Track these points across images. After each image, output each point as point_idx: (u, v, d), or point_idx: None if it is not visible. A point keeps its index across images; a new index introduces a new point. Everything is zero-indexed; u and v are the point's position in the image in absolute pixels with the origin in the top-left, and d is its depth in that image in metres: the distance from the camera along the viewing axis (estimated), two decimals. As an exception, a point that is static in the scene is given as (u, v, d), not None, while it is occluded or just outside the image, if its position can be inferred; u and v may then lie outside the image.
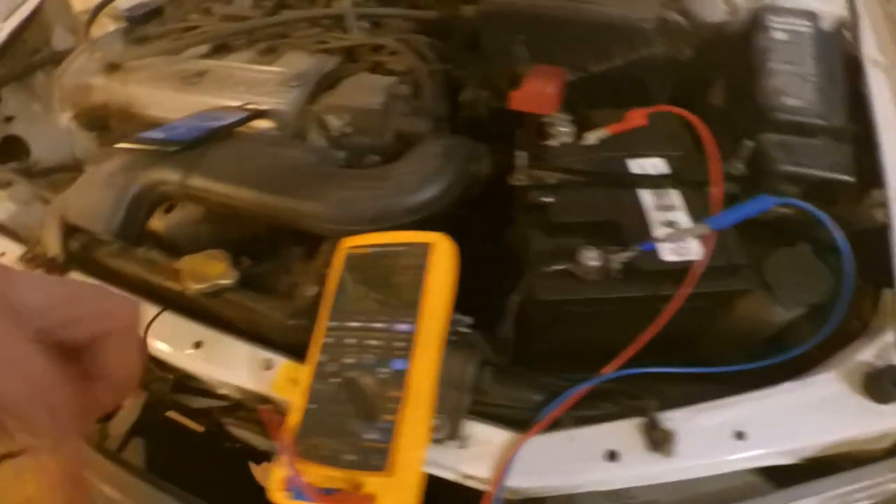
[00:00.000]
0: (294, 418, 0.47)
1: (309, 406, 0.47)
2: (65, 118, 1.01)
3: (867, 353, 0.48)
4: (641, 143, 0.59)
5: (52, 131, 1.00)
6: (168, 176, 0.63)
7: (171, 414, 0.71)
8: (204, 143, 0.63)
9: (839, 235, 0.48)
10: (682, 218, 0.54)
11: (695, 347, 0.61)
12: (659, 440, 0.46)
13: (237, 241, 0.70)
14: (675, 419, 0.47)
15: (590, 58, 0.64)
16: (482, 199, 0.66)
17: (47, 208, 0.67)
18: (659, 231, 0.52)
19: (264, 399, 0.57)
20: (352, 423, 0.44)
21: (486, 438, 0.49)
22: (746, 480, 0.47)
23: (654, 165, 0.58)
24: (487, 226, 0.67)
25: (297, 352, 0.57)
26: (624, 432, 0.47)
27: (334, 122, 0.68)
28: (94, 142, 1.04)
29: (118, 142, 0.85)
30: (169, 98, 0.79)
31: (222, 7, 0.94)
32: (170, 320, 0.61)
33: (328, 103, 0.69)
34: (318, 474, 0.43)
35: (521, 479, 0.47)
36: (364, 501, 0.39)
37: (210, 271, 0.58)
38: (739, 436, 0.46)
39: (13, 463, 0.23)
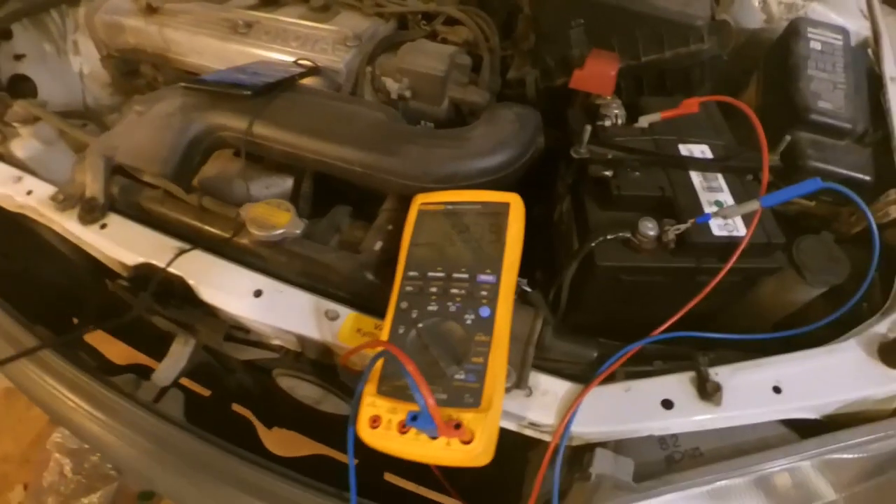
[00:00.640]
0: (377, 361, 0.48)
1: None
2: (77, 62, 0.97)
3: (882, 327, 0.55)
4: (689, 130, 0.65)
5: (62, 74, 0.95)
6: (231, 122, 0.62)
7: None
8: (270, 92, 0.62)
9: (873, 222, 0.54)
10: (728, 199, 0.59)
11: (720, 320, 0.67)
12: (709, 391, 0.51)
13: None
14: (721, 374, 0.53)
15: (643, 47, 0.69)
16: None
17: (90, 147, 0.65)
18: (710, 208, 0.58)
19: (328, 349, 0.58)
20: (439, 364, 0.47)
21: (551, 388, 0.53)
22: (777, 432, 0.53)
23: (701, 151, 0.63)
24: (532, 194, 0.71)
25: (360, 303, 0.59)
26: (677, 384, 0.52)
27: (392, 84, 0.70)
28: (106, 89, 1.00)
29: (141, 89, 0.83)
30: (212, 46, 0.77)
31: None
32: (225, 268, 0.61)
33: (389, 65, 0.70)
34: (407, 411, 0.45)
35: (583, 427, 0.51)
36: (464, 434, 0.42)
37: (277, 220, 0.59)
38: (777, 390, 0.52)
39: None
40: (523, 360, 0.53)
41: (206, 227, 0.64)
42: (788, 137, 0.61)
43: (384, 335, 0.50)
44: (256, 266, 0.61)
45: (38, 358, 0.62)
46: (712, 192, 0.60)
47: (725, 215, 0.56)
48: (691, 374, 0.53)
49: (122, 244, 0.64)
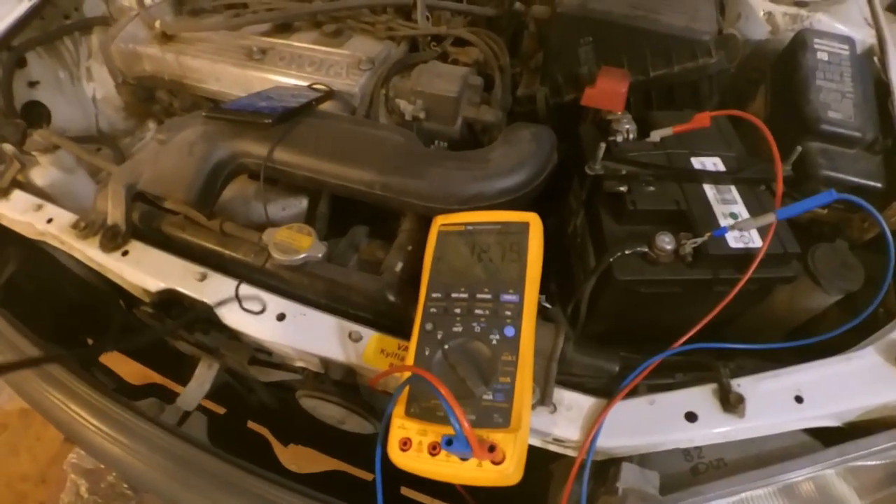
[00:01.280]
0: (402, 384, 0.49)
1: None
2: (90, 88, 0.98)
3: (900, 333, 0.56)
4: (700, 144, 0.66)
5: (76, 99, 0.97)
6: (253, 149, 0.63)
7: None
8: (290, 119, 0.64)
9: (887, 230, 0.55)
10: (742, 211, 0.60)
11: (734, 326, 0.68)
12: (732, 402, 0.52)
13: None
14: (743, 385, 0.53)
15: (651, 63, 0.70)
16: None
17: (112, 175, 0.66)
18: (725, 220, 0.59)
19: (351, 370, 0.59)
20: (466, 384, 0.47)
21: (575, 404, 0.54)
22: (799, 440, 0.54)
23: (713, 163, 0.64)
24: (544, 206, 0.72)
25: (382, 324, 0.60)
26: (700, 396, 0.53)
27: (406, 106, 0.71)
28: (120, 113, 1.01)
29: (157, 114, 0.84)
30: (228, 73, 0.78)
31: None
32: (247, 292, 0.62)
33: (402, 87, 0.71)
34: (438, 433, 0.46)
35: (609, 441, 0.52)
36: (496, 455, 0.43)
37: (300, 245, 0.60)
38: (798, 400, 0.53)
39: None
40: (547, 377, 0.54)
41: (229, 252, 0.65)
42: (800, 148, 0.62)
43: (410, 357, 0.51)
44: (279, 290, 0.62)
45: (62, 384, 0.63)
46: (726, 203, 0.61)
47: (742, 228, 0.57)
48: (713, 385, 0.54)
49: (144, 270, 0.65)
